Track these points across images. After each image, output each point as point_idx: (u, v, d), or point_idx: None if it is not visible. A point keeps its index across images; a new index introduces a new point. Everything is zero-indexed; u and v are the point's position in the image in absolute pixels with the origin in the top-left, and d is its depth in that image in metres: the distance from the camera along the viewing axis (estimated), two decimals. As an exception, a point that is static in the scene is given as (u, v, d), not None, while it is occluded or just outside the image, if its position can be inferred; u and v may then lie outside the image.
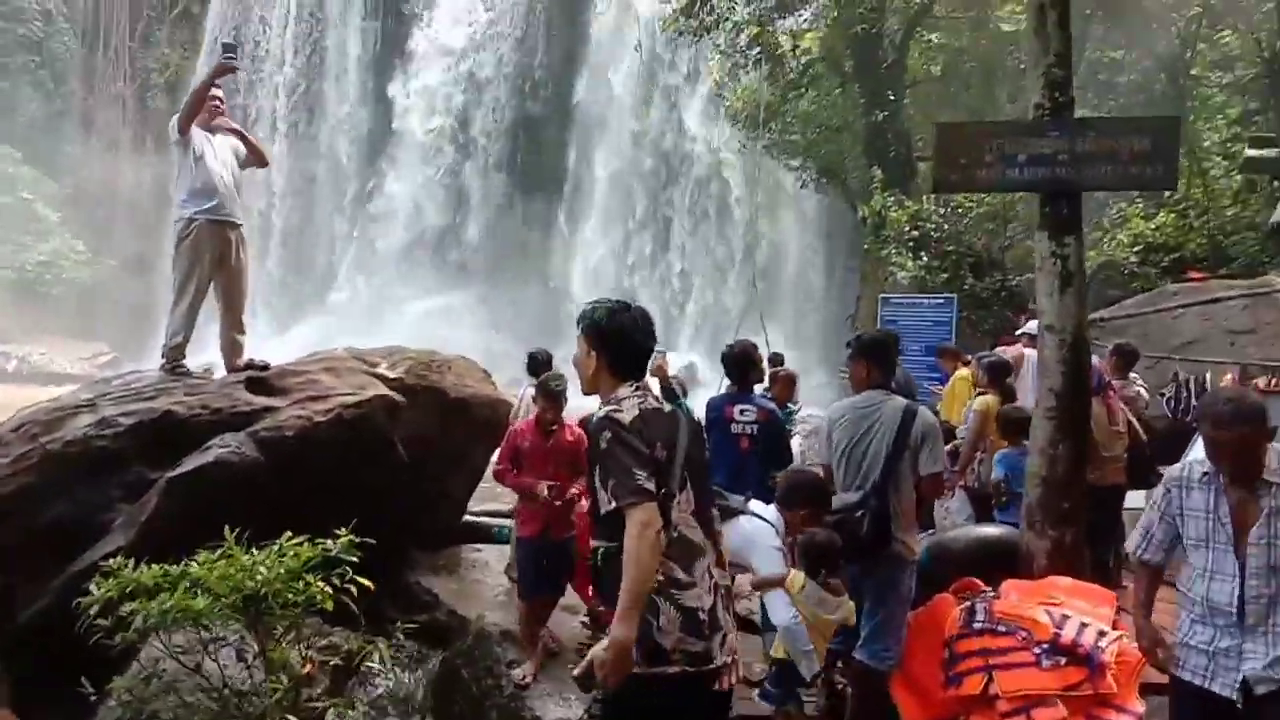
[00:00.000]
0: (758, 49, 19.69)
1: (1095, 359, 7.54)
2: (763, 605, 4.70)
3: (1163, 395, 8.81)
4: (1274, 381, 7.97)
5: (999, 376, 7.22)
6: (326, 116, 36.71)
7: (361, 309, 33.47)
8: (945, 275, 16.27)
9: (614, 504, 2.72)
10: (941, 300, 15.03)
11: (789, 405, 6.65)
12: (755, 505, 4.79)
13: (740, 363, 6.15)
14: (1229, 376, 8.44)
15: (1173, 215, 18.10)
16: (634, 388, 2.99)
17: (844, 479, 4.46)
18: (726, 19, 19.06)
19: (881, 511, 4.25)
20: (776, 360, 9.95)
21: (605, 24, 32.02)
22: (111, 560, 4.35)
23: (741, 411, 6.03)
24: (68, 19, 39.43)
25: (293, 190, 36.49)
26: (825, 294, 25.95)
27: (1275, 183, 13.72)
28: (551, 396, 5.73)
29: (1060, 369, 4.53)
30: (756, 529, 4.57)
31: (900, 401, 4.48)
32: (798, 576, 4.42)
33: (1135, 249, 18.16)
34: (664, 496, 2.78)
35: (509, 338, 32.61)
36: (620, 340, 3.02)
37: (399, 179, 34.37)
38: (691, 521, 2.88)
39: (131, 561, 4.29)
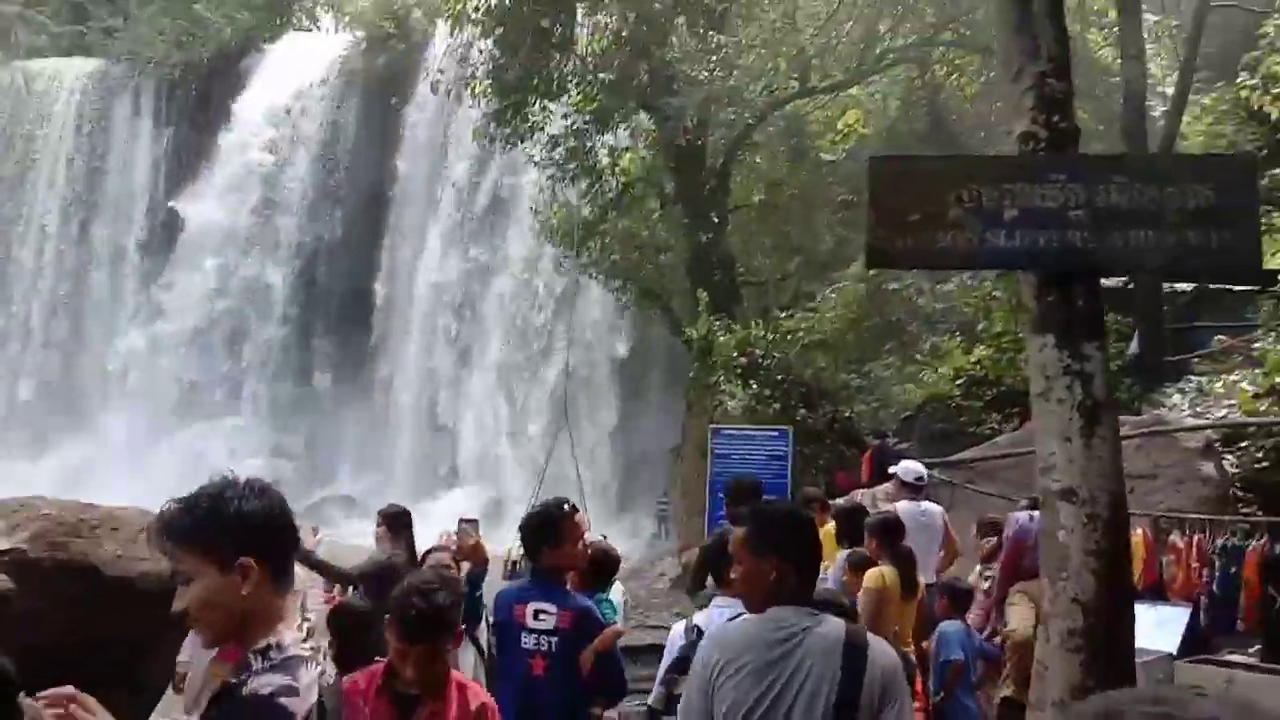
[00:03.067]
0: (574, 164, 18.41)
1: (1026, 516, 5.96)
2: None
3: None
4: (1194, 540, 6.60)
5: (892, 538, 5.44)
6: (106, 224, 33.72)
7: (131, 433, 30.08)
8: (777, 405, 14.96)
9: None
10: (776, 433, 13.58)
11: (599, 595, 4.51)
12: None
13: (529, 536, 4.06)
14: (1139, 531, 7.03)
15: (990, 350, 17.62)
16: (302, 629, 1.55)
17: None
18: (541, 128, 17.68)
19: None
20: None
21: (418, 141, 30.77)
22: None
23: (537, 614, 3.91)
24: None
25: (62, 299, 33.10)
26: (645, 423, 24.42)
27: (1112, 316, 13.12)
28: (420, 625, 2.76)
29: (1089, 563, 2.69)
30: None
31: (835, 627, 2.51)
32: None
33: (958, 382, 17.55)
34: None
35: (299, 467, 29.87)
36: (273, 531, 1.92)
37: (183, 294, 31.61)
38: None
39: None
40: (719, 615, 3.63)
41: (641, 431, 24.92)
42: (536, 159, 18.58)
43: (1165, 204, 2.73)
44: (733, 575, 2.69)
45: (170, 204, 32.93)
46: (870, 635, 2.55)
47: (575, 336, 23.72)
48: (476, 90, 17.52)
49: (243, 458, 29.22)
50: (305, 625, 1.66)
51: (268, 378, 31.07)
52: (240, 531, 1.87)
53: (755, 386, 15.02)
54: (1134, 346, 11.85)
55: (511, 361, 27.85)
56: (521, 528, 4.03)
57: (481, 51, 17.46)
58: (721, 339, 15.45)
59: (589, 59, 17.33)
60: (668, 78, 16.60)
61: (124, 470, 28.02)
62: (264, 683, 1.78)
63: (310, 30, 38.07)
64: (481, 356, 28.84)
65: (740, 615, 3.48)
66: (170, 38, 35.35)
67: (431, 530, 5.81)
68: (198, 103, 34.47)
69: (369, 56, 32.45)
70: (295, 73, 32.72)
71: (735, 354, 15.35)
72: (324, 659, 1.84)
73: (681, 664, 3.64)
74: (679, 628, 4.04)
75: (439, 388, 29.06)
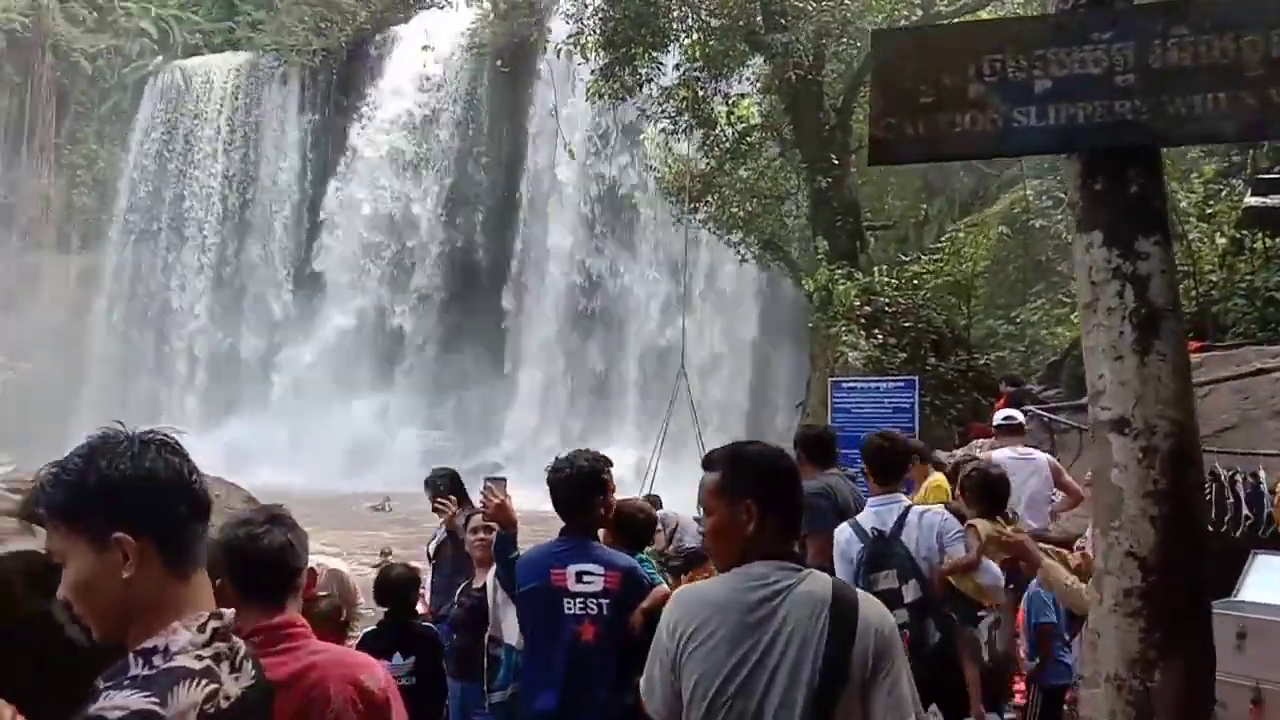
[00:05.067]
0: (688, 115, 17.90)
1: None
2: None
3: (1198, 500, 6.49)
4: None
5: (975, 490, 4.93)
6: (261, 209, 35.59)
7: (289, 408, 31.84)
8: (903, 355, 14.19)
9: None
10: (901, 383, 12.84)
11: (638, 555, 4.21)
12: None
13: (580, 488, 3.77)
14: (1294, 475, 6.20)
15: (1151, 284, 16.23)
16: (205, 628, 1.46)
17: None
18: (652, 80, 17.25)
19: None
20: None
21: (547, 110, 30.91)
22: None
23: (581, 576, 3.61)
24: (-9, 115, 38.57)
25: (223, 281, 35.30)
26: (777, 378, 23.87)
27: (1279, 240, 11.76)
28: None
29: (1147, 509, 2.18)
30: (938, 520, 4.03)
31: (821, 584, 2.13)
32: (986, 525, 4.09)
33: (1113, 321, 16.24)
34: None
35: (450, 436, 30.82)
36: (161, 499, 1.50)
37: (338, 272, 33.11)
38: None
39: None
40: (883, 512, 4.01)
41: (774, 387, 24.42)
42: (648, 113, 18.17)
43: (1243, 56, 2.15)
44: (701, 529, 2.33)
45: (319, 187, 34.41)
46: (861, 593, 2.15)
47: (704, 291, 23.29)
48: (587, 45, 17.23)
49: (397, 429, 30.56)
50: (209, 627, 1.24)
51: (417, 352, 32.14)
52: (111, 499, 1.48)
53: (880, 336, 14.28)
54: (1300, 270, 10.57)
55: (643, 319, 27.80)
56: (566, 481, 3.70)
57: (588, 5, 17.15)
58: (841, 287, 14.74)
59: (699, 5, 16.75)
60: (778, 14, 15.84)
61: (285, 444, 29.67)
62: (115, 705, 1.36)
63: (442, 7, 38.73)
64: (614, 316, 28.94)
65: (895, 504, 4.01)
66: (310, 25, 36.66)
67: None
68: (339, 87, 35.77)
69: (496, 27, 32.73)
70: (428, 50, 33.33)
71: (857, 302, 14.63)
72: (231, 669, 1.46)
73: (876, 561, 3.95)
74: (845, 533, 4.10)
75: (576, 350, 29.38)
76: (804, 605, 2.07)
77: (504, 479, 4.02)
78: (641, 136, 20.79)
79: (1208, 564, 2.27)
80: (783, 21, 15.67)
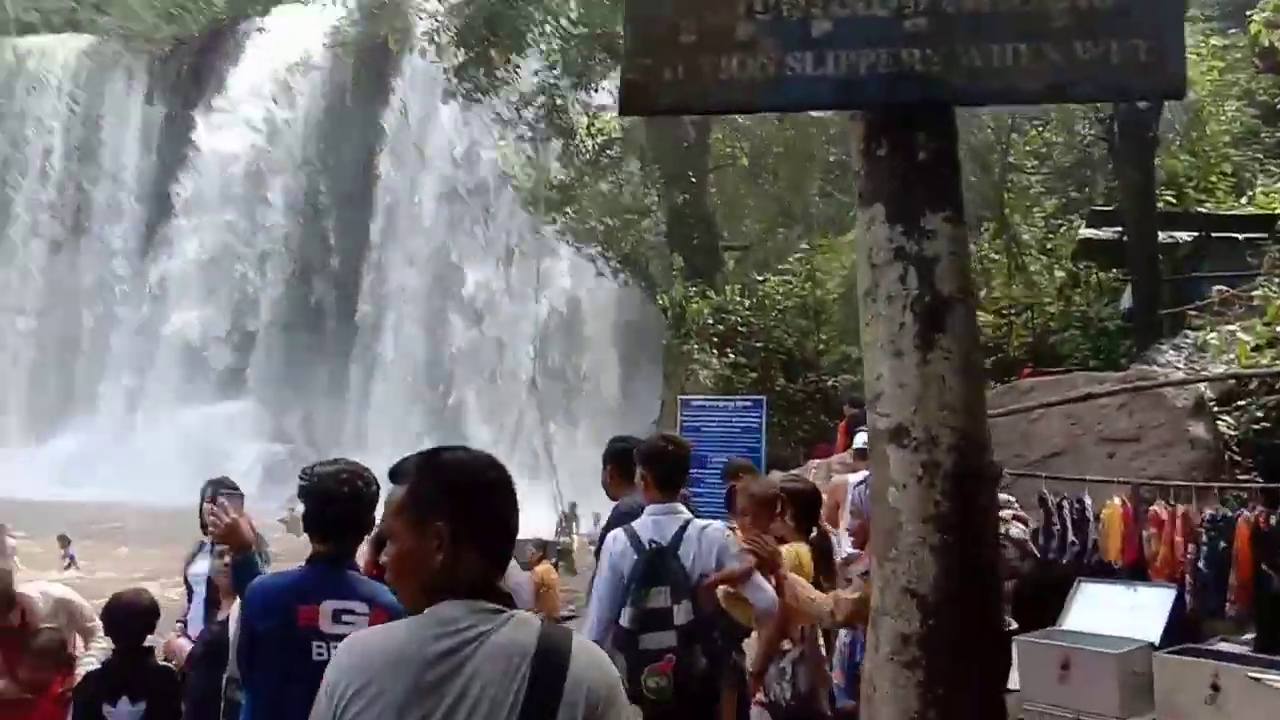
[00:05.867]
0: (544, 124, 17.47)
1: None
2: None
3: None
4: (1178, 511, 5.71)
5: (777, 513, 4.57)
6: (100, 202, 33.33)
7: (130, 419, 29.83)
8: (754, 375, 14.08)
9: None
10: (750, 403, 12.63)
11: None
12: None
13: (367, 503, 3.17)
14: (1116, 500, 6.15)
15: (991, 315, 16.73)
16: None
17: None
18: (507, 84, 16.75)
19: None
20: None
21: (403, 113, 30.04)
22: None
23: (339, 615, 3.01)
24: None
25: (55, 280, 32.89)
26: (627, 396, 23.63)
27: (1111, 272, 12.11)
28: None
29: (928, 536, 1.81)
30: (720, 536, 3.70)
31: (525, 630, 1.66)
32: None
33: (956, 349, 16.55)
34: None
35: (296, 449, 29.33)
36: None
37: (177, 276, 31.24)
38: None
39: None
40: (663, 523, 3.65)
41: (638, 406, 24.14)
42: (505, 117, 17.67)
43: (1047, 4, 1.84)
44: (383, 558, 1.84)
45: (163, 182, 32.55)
46: (578, 641, 1.69)
47: (558, 306, 22.84)
48: (441, 41, 16.59)
49: (242, 441, 28.92)
50: None
51: (264, 362, 30.78)
52: None
53: (731, 355, 14.14)
54: (1126, 301, 10.89)
55: (499, 332, 27.20)
56: (352, 495, 3.08)
57: (445, 2, 16.59)
58: (694, 305, 14.56)
59: (558, 11, 16.38)
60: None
61: (124, 456, 27.68)
62: None
63: (304, 2, 37.36)
64: (472, 332, 28.25)
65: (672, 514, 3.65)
66: (160, 11, 34.77)
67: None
68: (190, 78, 33.98)
69: (360, 27, 31.78)
70: (287, 46, 32.14)
71: (710, 321, 14.47)
72: None
73: (650, 576, 3.60)
74: (619, 542, 3.72)
75: (428, 368, 28.55)
76: (499, 658, 1.60)
77: (240, 493, 3.39)
78: (500, 142, 20.26)
79: (999, 603, 1.91)
80: (644, 33, 15.46)
